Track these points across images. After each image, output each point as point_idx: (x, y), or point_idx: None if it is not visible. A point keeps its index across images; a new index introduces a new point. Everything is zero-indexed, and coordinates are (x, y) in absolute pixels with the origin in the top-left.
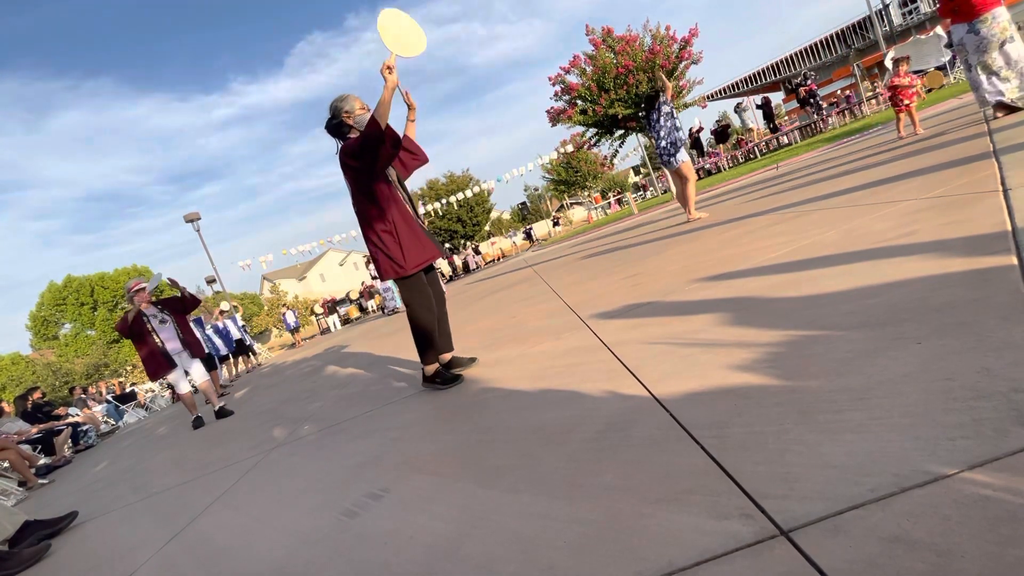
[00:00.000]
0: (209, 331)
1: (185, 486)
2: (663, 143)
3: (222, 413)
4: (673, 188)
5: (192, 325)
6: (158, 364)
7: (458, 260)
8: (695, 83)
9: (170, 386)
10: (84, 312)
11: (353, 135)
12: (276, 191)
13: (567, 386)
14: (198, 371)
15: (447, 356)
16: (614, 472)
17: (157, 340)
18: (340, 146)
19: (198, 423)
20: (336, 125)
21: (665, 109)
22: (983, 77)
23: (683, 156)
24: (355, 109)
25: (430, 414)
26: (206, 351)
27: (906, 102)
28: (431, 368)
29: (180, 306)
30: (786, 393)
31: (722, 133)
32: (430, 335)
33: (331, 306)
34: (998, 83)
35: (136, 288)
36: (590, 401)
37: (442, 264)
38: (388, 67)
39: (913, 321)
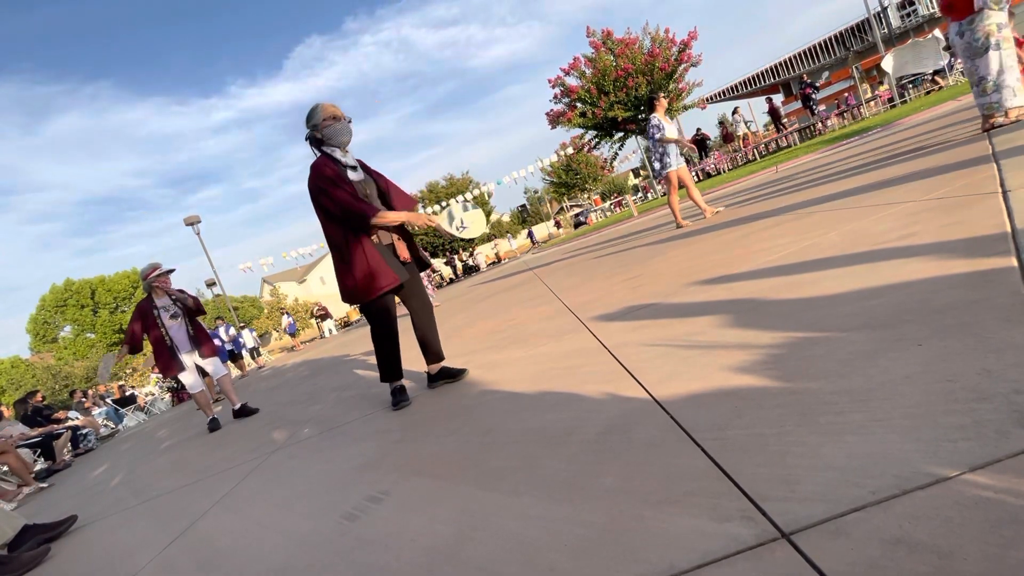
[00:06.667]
0: (223, 333)
1: (185, 489)
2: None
3: (243, 411)
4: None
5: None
6: (165, 360)
7: (458, 264)
8: (694, 85)
9: (171, 389)
10: (84, 315)
11: (327, 147)
12: (276, 194)
13: (567, 388)
14: (217, 368)
15: (436, 367)
16: (615, 474)
17: (165, 335)
18: (313, 169)
19: (214, 425)
20: (312, 139)
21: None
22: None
23: (665, 168)
24: (320, 122)
25: (430, 416)
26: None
27: None
28: (397, 383)
29: (189, 307)
30: (787, 395)
31: (701, 142)
32: (386, 358)
33: (323, 314)
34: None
35: (156, 273)
36: (590, 403)
37: (442, 267)
38: (429, 222)
39: (914, 322)
